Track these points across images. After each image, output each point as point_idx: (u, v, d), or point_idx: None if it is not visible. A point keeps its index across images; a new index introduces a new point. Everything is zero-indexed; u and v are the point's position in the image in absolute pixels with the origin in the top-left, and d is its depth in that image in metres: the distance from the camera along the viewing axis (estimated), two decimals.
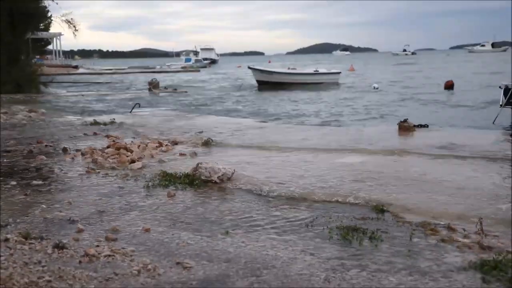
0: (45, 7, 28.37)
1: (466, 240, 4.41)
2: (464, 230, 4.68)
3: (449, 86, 25.91)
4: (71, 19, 26.01)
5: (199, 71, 61.15)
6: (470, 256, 4.07)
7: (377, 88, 26.69)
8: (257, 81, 30.92)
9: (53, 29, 51.61)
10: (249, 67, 32.89)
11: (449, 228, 4.73)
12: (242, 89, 30.07)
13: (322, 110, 18.10)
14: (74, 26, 25.99)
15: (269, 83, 29.64)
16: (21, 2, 23.73)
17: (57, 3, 31.61)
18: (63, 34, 60.86)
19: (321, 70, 32.74)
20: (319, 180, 6.81)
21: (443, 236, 4.52)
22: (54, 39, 63.80)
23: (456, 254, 4.13)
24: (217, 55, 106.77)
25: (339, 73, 32.29)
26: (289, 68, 36.81)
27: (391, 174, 7.15)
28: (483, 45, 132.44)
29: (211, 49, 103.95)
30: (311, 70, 33.53)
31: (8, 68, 23.13)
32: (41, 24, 42.03)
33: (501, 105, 13.03)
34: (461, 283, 3.62)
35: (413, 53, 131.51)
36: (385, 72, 45.17)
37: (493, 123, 12.78)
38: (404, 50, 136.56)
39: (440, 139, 9.98)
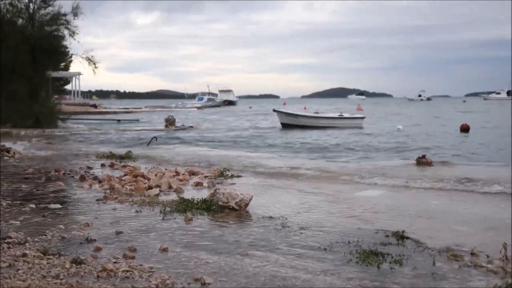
0: (66, 46, 29.02)
1: (490, 266, 4.31)
2: (488, 256, 4.58)
3: (465, 129, 26.16)
4: (92, 56, 26.53)
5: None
6: (495, 280, 3.96)
7: (401, 130, 27.14)
8: (282, 123, 31.20)
9: (73, 68, 52.81)
10: (274, 110, 33.28)
11: (473, 254, 4.63)
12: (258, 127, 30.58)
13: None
14: (94, 63, 26.49)
15: (293, 126, 29.90)
16: (43, 39, 24.36)
17: (78, 41, 32.16)
18: (82, 74, 62.05)
19: (345, 115, 33.07)
20: (336, 210, 6.76)
21: (466, 261, 4.43)
22: (74, 78, 65.03)
23: (481, 278, 4.03)
24: (236, 97, 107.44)
25: (363, 118, 32.54)
26: (315, 113, 37.18)
27: (409, 206, 7.07)
28: (498, 93, 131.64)
29: (229, 91, 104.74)
30: (335, 114, 33.96)
31: (28, 103, 23.58)
32: (62, 64, 42.97)
33: None
34: None
35: (428, 99, 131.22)
36: (405, 116, 45.35)
37: None
38: (420, 96, 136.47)
39: (457, 174, 9.89)
